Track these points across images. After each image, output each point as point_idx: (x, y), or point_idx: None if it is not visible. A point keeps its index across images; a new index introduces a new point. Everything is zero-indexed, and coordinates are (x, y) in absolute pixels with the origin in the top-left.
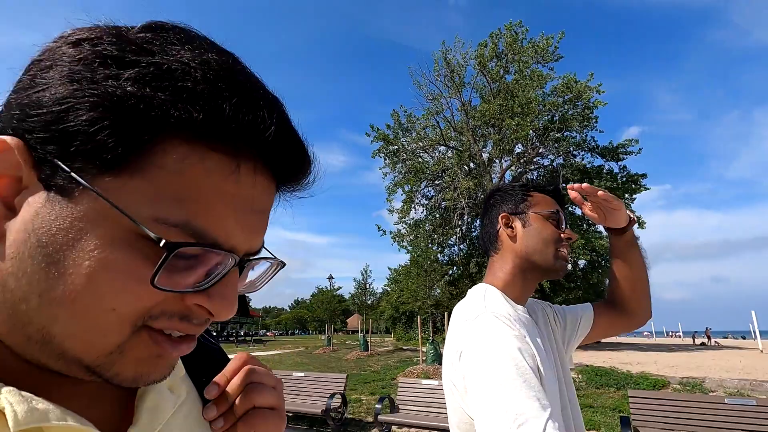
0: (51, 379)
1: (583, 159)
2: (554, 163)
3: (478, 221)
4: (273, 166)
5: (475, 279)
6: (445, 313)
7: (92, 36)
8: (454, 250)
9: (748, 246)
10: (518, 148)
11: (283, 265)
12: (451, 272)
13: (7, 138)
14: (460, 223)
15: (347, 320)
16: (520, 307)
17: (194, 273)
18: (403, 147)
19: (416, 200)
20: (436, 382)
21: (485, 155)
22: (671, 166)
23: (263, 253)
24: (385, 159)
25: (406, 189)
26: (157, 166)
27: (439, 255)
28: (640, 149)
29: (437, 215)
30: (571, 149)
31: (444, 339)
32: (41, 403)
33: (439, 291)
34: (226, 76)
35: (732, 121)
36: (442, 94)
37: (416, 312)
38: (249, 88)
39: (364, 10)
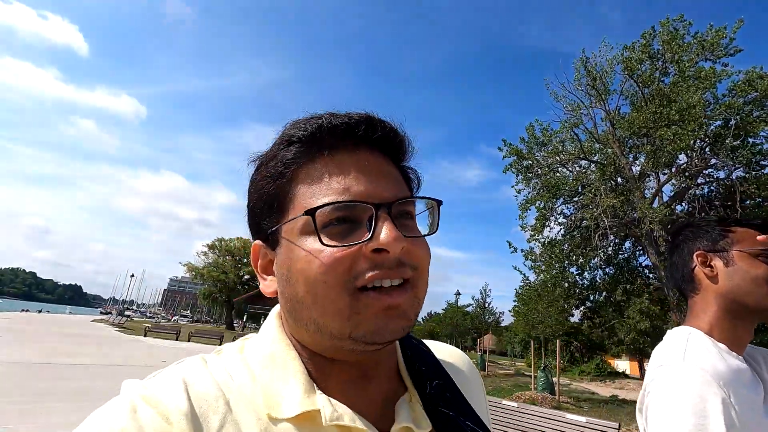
0: (338, 382)
1: None
2: (733, 176)
3: (628, 243)
4: (375, 144)
5: (622, 308)
6: (580, 342)
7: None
8: (597, 273)
9: None
10: (681, 160)
11: (438, 201)
12: (592, 298)
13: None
14: (603, 244)
15: (479, 339)
16: (733, 355)
17: (357, 230)
18: (538, 162)
19: (551, 218)
20: (515, 404)
21: (635, 169)
22: None
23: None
24: (517, 175)
25: (539, 205)
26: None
27: (578, 278)
28: None
29: (576, 235)
30: (757, 158)
31: (564, 367)
32: (340, 407)
33: (578, 318)
34: (324, 114)
35: None
36: (583, 104)
37: (550, 337)
38: (336, 113)
39: (507, 19)
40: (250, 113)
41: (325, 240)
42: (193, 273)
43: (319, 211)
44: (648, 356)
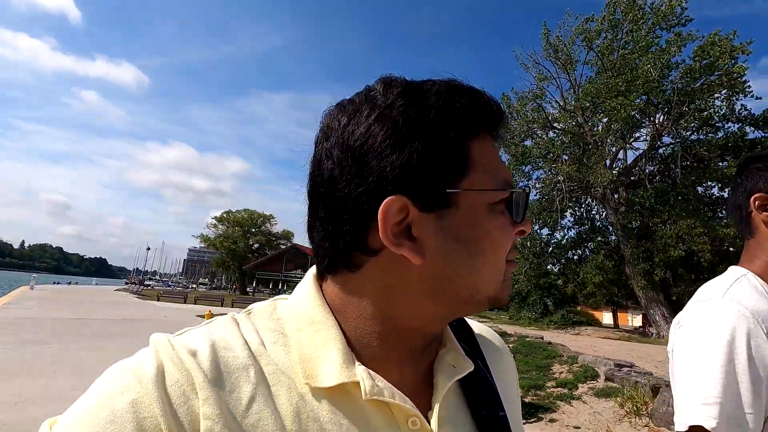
0: (385, 356)
1: (726, 132)
2: (690, 140)
3: (598, 205)
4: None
5: (604, 267)
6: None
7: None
8: (568, 233)
9: None
10: (647, 128)
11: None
12: (566, 255)
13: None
14: (568, 206)
15: None
16: None
17: (517, 212)
18: (511, 130)
19: (521, 183)
20: None
21: (593, 137)
22: None
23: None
24: None
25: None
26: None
27: (549, 238)
28: None
29: (545, 198)
30: (715, 121)
31: (536, 318)
32: (380, 381)
33: (555, 276)
34: (483, 92)
35: None
36: (550, 73)
37: (525, 293)
38: (487, 95)
39: None
40: (257, 81)
41: (507, 216)
42: (206, 244)
43: (516, 191)
44: (619, 306)
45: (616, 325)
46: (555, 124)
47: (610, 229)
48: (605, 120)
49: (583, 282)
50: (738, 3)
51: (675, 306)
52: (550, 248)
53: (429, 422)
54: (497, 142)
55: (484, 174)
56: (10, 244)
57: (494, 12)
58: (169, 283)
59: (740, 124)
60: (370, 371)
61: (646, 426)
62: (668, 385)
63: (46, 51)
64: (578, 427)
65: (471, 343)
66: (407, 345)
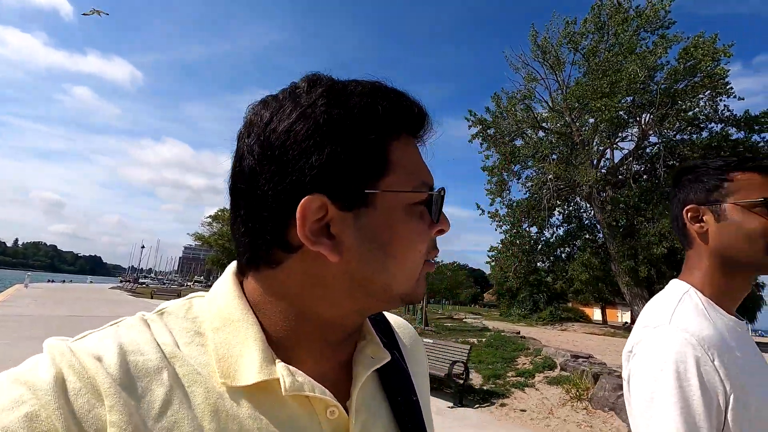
0: (305, 351)
1: (710, 132)
2: (676, 138)
3: (585, 203)
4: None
5: (591, 264)
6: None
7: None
8: (556, 231)
9: None
10: (633, 128)
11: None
12: (555, 253)
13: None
14: (556, 204)
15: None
16: (723, 314)
17: (434, 212)
18: (501, 130)
19: (510, 182)
20: (431, 341)
21: (580, 138)
22: None
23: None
24: (482, 144)
25: (498, 171)
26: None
27: (538, 235)
28: None
29: (534, 197)
30: (700, 121)
31: (525, 315)
32: (300, 376)
33: (545, 273)
34: (403, 93)
35: None
36: (539, 74)
37: (514, 288)
38: (407, 95)
39: None
40: (253, 78)
41: (424, 217)
42: (201, 242)
43: (433, 192)
44: (607, 303)
45: (604, 321)
46: (544, 124)
47: (597, 227)
48: (591, 121)
49: (571, 279)
50: (731, 2)
51: None
52: (540, 246)
53: (348, 411)
54: (420, 144)
55: (403, 175)
56: (4, 242)
57: (494, 12)
58: (164, 281)
59: (723, 125)
60: (290, 367)
61: (584, 409)
62: (609, 373)
63: (38, 46)
64: (524, 410)
65: (388, 335)
66: (327, 339)
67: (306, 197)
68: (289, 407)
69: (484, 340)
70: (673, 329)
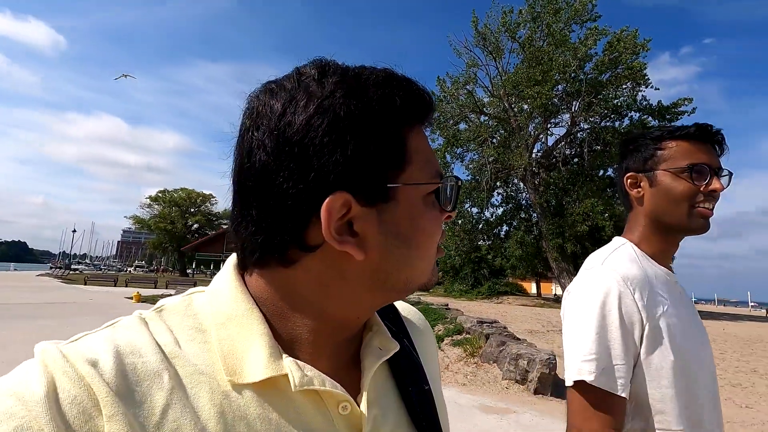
0: (314, 347)
1: (631, 120)
2: (601, 125)
3: (522, 185)
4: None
5: (524, 241)
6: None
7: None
8: (496, 211)
9: None
10: (565, 114)
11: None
12: (495, 231)
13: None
14: (495, 185)
15: None
16: (655, 264)
17: (447, 201)
18: (444, 114)
19: (453, 164)
20: None
21: (517, 123)
22: None
23: None
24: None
25: (442, 154)
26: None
27: (479, 216)
28: (694, 108)
29: (475, 179)
30: (622, 109)
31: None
32: (309, 371)
33: (486, 251)
34: (417, 82)
35: None
36: (481, 61)
37: (458, 267)
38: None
39: None
40: (195, 49)
41: (436, 205)
42: (140, 225)
43: (447, 181)
44: (542, 277)
45: (539, 294)
46: (485, 109)
47: (532, 207)
48: (526, 107)
49: (509, 256)
50: None
51: None
52: (480, 225)
53: (359, 405)
54: (428, 131)
55: (419, 167)
56: None
57: None
58: (101, 267)
59: (641, 113)
60: (299, 362)
61: (475, 363)
62: (500, 334)
63: None
64: None
65: (397, 324)
66: (339, 335)
67: (330, 196)
68: (300, 404)
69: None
70: (603, 269)
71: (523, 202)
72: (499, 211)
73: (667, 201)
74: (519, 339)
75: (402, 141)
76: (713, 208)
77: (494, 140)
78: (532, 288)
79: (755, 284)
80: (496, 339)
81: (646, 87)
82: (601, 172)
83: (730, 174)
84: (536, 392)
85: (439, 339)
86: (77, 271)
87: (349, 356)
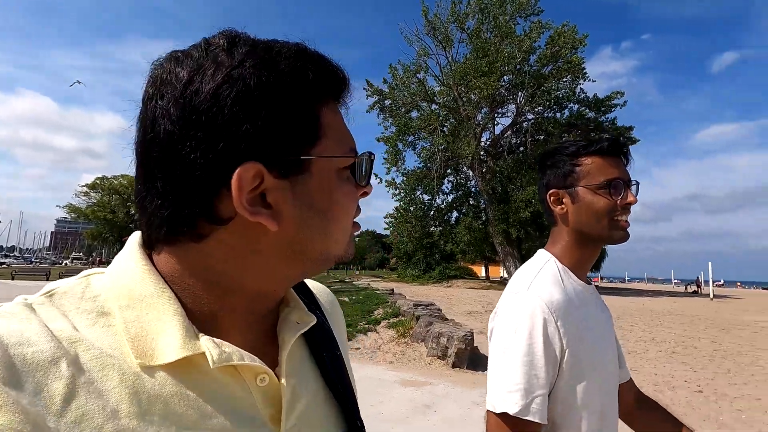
0: (230, 323)
1: (571, 111)
2: (544, 116)
3: (471, 172)
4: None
5: (473, 227)
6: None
7: None
8: (446, 198)
9: None
10: (511, 105)
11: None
12: (449, 216)
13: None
14: (446, 173)
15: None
16: (575, 280)
17: (361, 176)
18: (396, 102)
19: (405, 152)
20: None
21: (465, 112)
22: None
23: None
24: (379, 114)
25: (393, 142)
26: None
27: (431, 202)
28: (625, 102)
29: (426, 167)
30: (562, 101)
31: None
32: (227, 347)
33: (437, 236)
34: (329, 58)
35: None
36: (431, 51)
37: (411, 253)
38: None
39: None
40: (133, 25)
41: (351, 180)
42: (76, 215)
43: (361, 156)
44: (490, 261)
45: (487, 277)
46: (435, 98)
47: (480, 194)
48: (473, 97)
49: (458, 241)
50: None
51: (525, 258)
52: (432, 212)
53: (278, 377)
54: (343, 109)
55: (333, 142)
56: None
57: None
58: (32, 260)
59: (579, 106)
60: (215, 339)
61: (405, 343)
62: (431, 315)
63: None
64: (359, 348)
65: (309, 297)
66: (254, 310)
67: (241, 166)
68: (218, 380)
69: (354, 297)
70: (529, 295)
71: (472, 189)
72: (450, 198)
73: (588, 216)
74: (447, 319)
75: (315, 115)
76: (628, 219)
77: (444, 129)
78: (481, 271)
79: (680, 263)
80: (425, 320)
81: (584, 80)
82: None
83: (637, 183)
84: (454, 366)
85: (377, 322)
86: (4, 265)
87: (266, 330)
